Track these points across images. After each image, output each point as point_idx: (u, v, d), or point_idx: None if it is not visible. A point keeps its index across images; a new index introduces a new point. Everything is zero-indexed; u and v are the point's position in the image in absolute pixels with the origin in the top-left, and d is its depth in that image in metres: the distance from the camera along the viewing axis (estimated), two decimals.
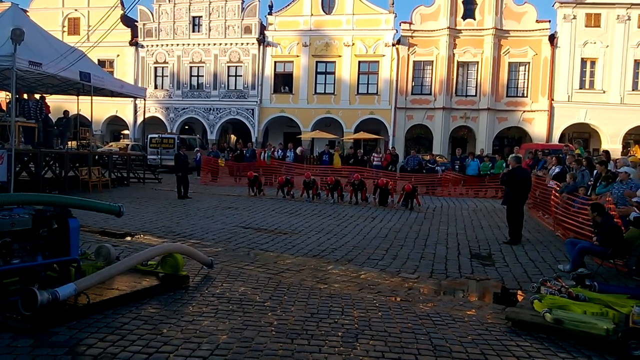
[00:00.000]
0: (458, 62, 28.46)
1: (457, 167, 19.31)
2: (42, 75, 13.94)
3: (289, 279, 6.05)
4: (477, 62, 28.27)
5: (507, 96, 28.34)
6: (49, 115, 15.96)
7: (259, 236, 8.92)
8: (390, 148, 24.79)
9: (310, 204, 13.77)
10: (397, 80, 28.96)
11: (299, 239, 8.82)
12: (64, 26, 32.83)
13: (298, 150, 22.58)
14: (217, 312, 4.74)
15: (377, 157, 21.21)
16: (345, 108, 29.70)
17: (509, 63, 28.16)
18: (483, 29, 27.76)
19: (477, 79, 28.40)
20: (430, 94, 28.90)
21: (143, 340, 3.96)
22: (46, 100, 15.97)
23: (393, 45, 28.84)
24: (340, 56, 29.65)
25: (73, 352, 3.72)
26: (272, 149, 22.98)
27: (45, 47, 14.21)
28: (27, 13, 27.40)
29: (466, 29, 28.11)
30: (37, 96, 15.86)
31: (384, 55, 29.11)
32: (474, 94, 28.50)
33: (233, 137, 34.99)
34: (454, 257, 7.86)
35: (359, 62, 29.65)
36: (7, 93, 17.47)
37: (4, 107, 15.60)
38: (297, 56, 30.24)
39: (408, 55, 28.79)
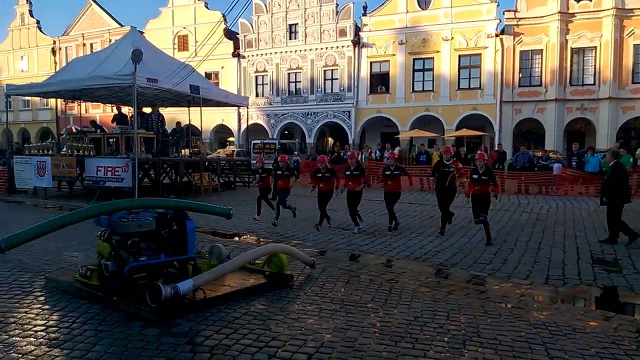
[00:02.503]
0: (572, 48, 26.42)
1: (574, 163, 17.81)
2: (158, 90, 15.26)
3: (391, 282, 6.01)
4: (595, 47, 26.00)
5: (632, 83, 25.67)
6: (165, 126, 17.43)
7: (358, 237, 8.97)
8: (497, 145, 23.62)
9: (411, 205, 13.53)
10: (502, 73, 27.57)
11: (399, 240, 8.73)
12: (174, 43, 35.63)
13: (396, 150, 22.35)
14: (320, 311, 4.85)
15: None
16: (446, 105, 28.86)
17: (634, 45, 25.45)
18: (601, 10, 25.45)
19: (595, 65, 26.11)
20: (540, 85, 27.11)
21: (253, 335, 4.18)
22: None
23: (496, 35, 27.52)
24: (438, 51, 28.91)
25: (192, 342, 4.03)
26: (370, 150, 22.97)
27: (159, 64, 15.51)
28: (143, 34, 30.15)
29: (580, 12, 25.95)
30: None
31: (486, 47, 27.87)
32: (592, 82, 26.24)
33: (330, 140, 35.54)
34: (572, 262, 7.26)
35: (459, 56, 28.68)
36: (130, 108, 19.34)
37: (128, 121, 17.27)
38: (394, 55, 29.98)
39: (514, 45, 27.28)
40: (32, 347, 3.90)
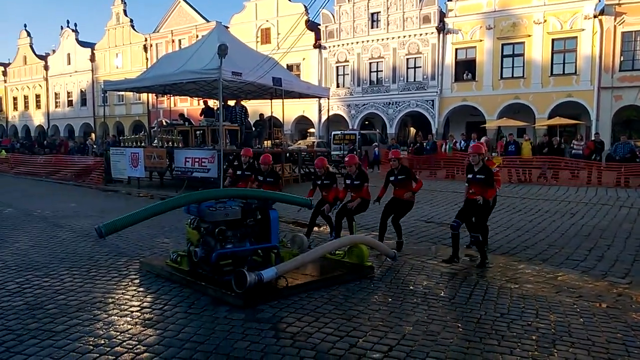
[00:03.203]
0: None
1: None
2: (242, 83, 15.75)
3: (475, 276, 5.81)
4: None
5: None
6: (248, 118, 17.99)
7: (441, 231, 8.73)
8: (594, 134, 21.96)
9: (498, 198, 12.91)
10: (600, 57, 25.41)
11: None
12: (257, 37, 36.50)
13: (482, 140, 21.45)
14: (402, 304, 4.80)
15: (577, 144, 19.01)
16: (537, 92, 27.18)
17: None
18: None
19: None
20: None
21: (334, 324, 4.23)
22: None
23: (595, 17, 25.37)
24: (529, 36, 27.24)
25: (276, 328, 4.17)
26: (454, 140, 22.26)
27: (243, 58, 15.99)
28: (228, 29, 31.22)
29: None
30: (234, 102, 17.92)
31: (583, 30, 25.82)
32: None
33: (412, 130, 34.86)
34: None
35: (553, 40, 26.81)
36: (216, 101, 20.14)
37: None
38: (481, 40, 28.70)
39: (614, 26, 24.99)
40: (129, 326, 4.21)
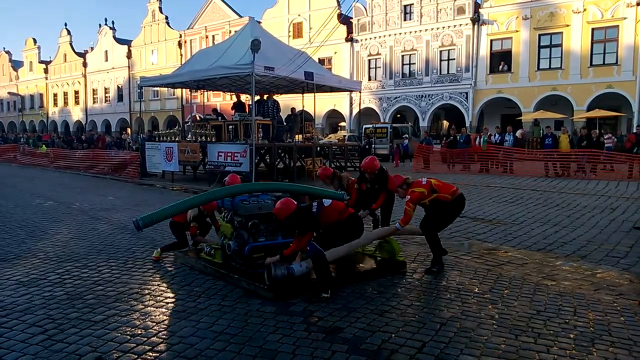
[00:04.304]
0: None
1: None
2: (274, 78, 15.83)
3: (510, 273, 5.68)
4: None
5: None
6: (280, 113, 18.07)
7: (475, 225, 8.59)
8: (635, 127, 21.15)
9: (534, 192, 12.65)
10: None
11: (520, 230, 8.20)
12: (289, 31, 36.60)
13: (518, 133, 20.95)
14: (435, 300, 4.75)
15: (607, 139, 18.48)
16: (576, 83, 26.36)
17: None
18: None
19: None
20: None
21: (366, 319, 4.21)
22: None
23: (638, 4, 24.40)
24: (568, 26, 26.41)
25: (307, 322, 4.18)
26: (489, 134, 21.80)
27: (275, 52, 16.04)
28: (261, 24, 31.35)
29: None
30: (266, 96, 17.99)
31: (625, 18, 24.88)
32: None
33: (445, 123, 34.36)
34: None
35: (592, 29, 25.95)
36: (247, 96, 20.30)
37: (247, 109, 18.19)
38: (517, 31, 28.00)
39: None
40: (165, 317, 4.31)
